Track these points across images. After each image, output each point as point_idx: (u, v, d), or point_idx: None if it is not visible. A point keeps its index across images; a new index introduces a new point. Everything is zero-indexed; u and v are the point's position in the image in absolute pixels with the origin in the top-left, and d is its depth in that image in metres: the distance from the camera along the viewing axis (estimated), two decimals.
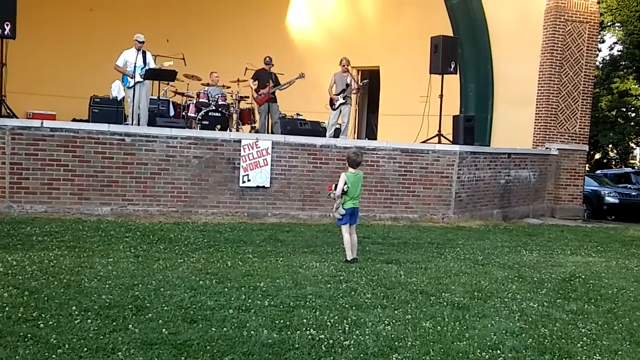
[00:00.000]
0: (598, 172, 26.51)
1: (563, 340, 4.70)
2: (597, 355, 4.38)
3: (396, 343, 4.42)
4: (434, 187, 12.29)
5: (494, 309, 5.60)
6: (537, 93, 15.37)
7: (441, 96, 13.58)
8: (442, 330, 4.80)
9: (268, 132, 13.95)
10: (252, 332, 4.51)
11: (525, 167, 14.62)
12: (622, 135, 33.69)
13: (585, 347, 4.55)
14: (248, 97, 14.55)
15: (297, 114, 14.98)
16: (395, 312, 5.29)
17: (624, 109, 35.50)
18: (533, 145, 15.50)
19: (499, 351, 4.34)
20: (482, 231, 11.61)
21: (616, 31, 34.85)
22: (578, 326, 5.14)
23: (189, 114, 13.63)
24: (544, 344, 4.57)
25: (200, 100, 13.58)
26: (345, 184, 7.58)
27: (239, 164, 10.96)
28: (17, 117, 11.13)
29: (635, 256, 9.67)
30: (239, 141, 11.05)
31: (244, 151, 10.96)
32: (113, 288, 5.50)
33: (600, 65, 35.58)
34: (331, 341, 4.39)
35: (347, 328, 4.73)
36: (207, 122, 13.19)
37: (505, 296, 6.17)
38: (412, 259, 8.01)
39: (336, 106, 13.68)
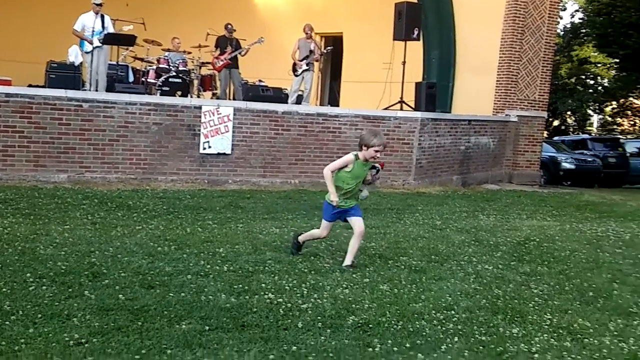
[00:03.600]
0: (556, 138, 26.94)
1: (515, 301, 4.81)
2: (548, 314, 4.49)
3: (353, 305, 4.47)
4: (395, 154, 12.35)
5: (450, 272, 5.70)
6: (499, 61, 15.47)
7: (404, 63, 13.59)
8: (399, 292, 4.87)
9: (229, 99, 13.83)
10: (210, 297, 4.52)
11: (485, 133, 14.78)
12: (581, 103, 34.26)
13: (536, 307, 4.67)
14: (209, 63, 14.38)
15: (259, 81, 14.87)
16: (354, 275, 5.35)
17: (583, 77, 36.04)
18: (493, 112, 15.65)
19: (453, 312, 4.43)
20: (442, 197, 11.74)
21: None
22: (530, 287, 5.27)
23: (148, 80, 13.42)
24: (497, 305, 4.67)
25: (161, 65, 13.37)
26: (345, 166, 5.82)
27: (199, 130, 10.86)
28: None
29: (588, 220, 9.91)
30: (200, 108, 10.93)
31: (205, 118, 10.86)
32: (69, 255, 5.44)
33: (561, 33, 35.95)
34: (289, 305, 4.43)
35: (305, 292, 4.77)
36: (167, 88, 13.01)
37: (462, 259, 6.28)
38: (371, 224, 8.06)
39: (299, 72, 13.61)
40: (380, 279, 5.29)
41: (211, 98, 14.04)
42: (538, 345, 3.85)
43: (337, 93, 19.39)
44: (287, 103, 13.21)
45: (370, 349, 3.67)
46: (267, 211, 8.69)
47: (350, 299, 4.64)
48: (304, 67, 13.54)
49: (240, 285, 4.84)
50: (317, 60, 14.17)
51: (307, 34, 13.60)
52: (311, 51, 13.56)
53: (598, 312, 4.64)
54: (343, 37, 18.74)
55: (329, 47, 15.61)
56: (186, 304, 4.31)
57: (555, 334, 4.07)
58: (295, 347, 3.65)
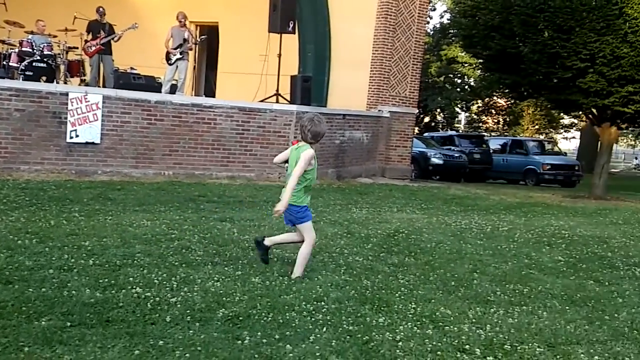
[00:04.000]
0: (426, 134, 28.05)
1: (383, 291, 4.95)
2: (413, 303, 4.66)
3: (224, 298, 4.44)
4: (271, 147, 12.37)
5: (322, 264, 5.78)
6: (372, 57, 15.86)
7: (279, 55, 13.62)
8: (271, 284, 4.88)
9: (100, 87, 13.28)
10: (74, 292, 4.33)
11: (359, 128, 15.12)
12: (449, 101, 35.86)
13: (402, 297, 4.82)
14: (77, 48, 13.72)
15: (131, 68, 14.39)
16: (226, 268, 5.31)
17: (452, 76, 37.72)
18: (367, 107, 16.04)
19: (323, 303, 4.50)
20: (317, 190, 11.89)
21: (446, 0, 36.69)
22: (398, 277, 5.44)
23: (10, 64, 12.60)
24: (365, 295, 4.79)
25: (24, 49, 12.60)
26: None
27: (66, 118, 10.37)
28: None
29: (454, 213, 10.38)
30: (66, 94, 10.44)
31: (72, 105, 10.38)
32: None
33: (431, 32, 37.43)
34: (158, 299, 4.32)
35: (175, 285, 4.68)
36: (30, 73, 12.29)
37: (334, 251, 6.38)
38: (246, 217, 8.04)
39: (172, 61, 13.29)
40: (252, 271, 5.27)
41: (79, 85, 13.43)
42: (402, 333, 3.98)
43: (214, 84, 19.15)
44: (160, 92, 12.87)
45: (240, 342, 3.65)
46: (139, 203, 8.44)
47: (221, 292, 4.59)
48: (177, 55, 13.23)
49: (107, 280, 4.67)
50: (190, 49, 13.90)
51: (180, 22, 13.30)
52: (185, 40, 13.28)
53: (459, 300, 4.87)
54: (219, 27, 18.52)
55: (202, 36, 15.35)
56: (47, 300, 4.10)
57: (418, 322, 4.22)
58: (162, 342, 3.56)
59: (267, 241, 5.53)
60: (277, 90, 13.60)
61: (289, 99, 13.54)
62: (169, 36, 13.30)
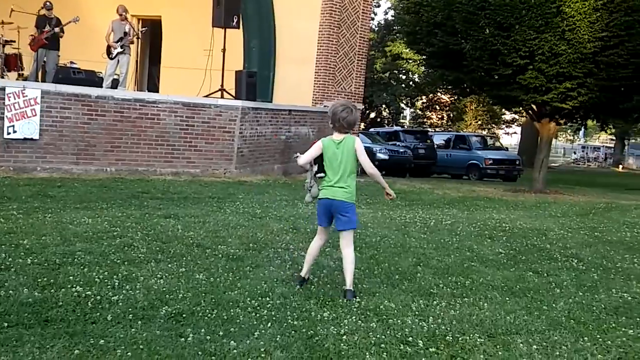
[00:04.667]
0: (371, 130, 28.27)
1: (328, 286, 4.97)
2: (357, 297, 4.69)
3: (167, 296, 4.39)
4: (216, 142, 12.29)
5: (268, 259, 5.77)
6: (317, 52, 15.90)
7: (224, 50, 13.51)
8: (215, 281, 4.85)
9: (39, 81, 12.92)
10: (11, 291, 4.21)
11: (305, 123, 15.14)
12: (394, 96, 36.20)
13: None
14: (14, 41, 13.32)
15: (71, 62, 14.05)
16: (169, 265, 5.25)
17: (396, 72, 38.09)
18: (312, 103, 16.07)
19: (268, 298, 4.49)
20: (263, 185, 11.87)
21: None
22: (343, 272, 5.46)
23: None
24: (310, 290, 4.81)
25: None
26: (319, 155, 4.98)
27: (2, 113, 10.06)
28: None
29: (399, 207, 10.49)
30: (3, 89, 10.15)
31: (9, 100, 10.09)
32: None
33: (376, 29, 37.72)
34: (99, 297, 4.24)
35: (117, 283, 4.60)
36: None
37: (280, 247, 6.38)
38: (191, 213, 7.96)
39: (114, 55, 13.03)
40: (196, 268, 5.23)
41: (17, 79, 13.04)
42: (347, 327, 4.00)
43: (157, 79, 18.86)
44: (101, 87, 12.61)
45: (183, 339, 3.62)
46: (80, 200, 8.26)
47: (164, 289, 4.54)
48: (119, 49, 12.98)
49: (46, 279, 4.56)
50: (132, 43, 13.65)
51: (121, 15, 13.04)
52: (126, 33, 13.03)
53: (403, 293, 4.92)
54: (162, 21, 18.24)
55: (143, 28, 15.10)
56: None
57: (363, 316, 4.26)
58: (103, 341, 3.50)
59: (304, 272, 4.99)
60: (222, 86, 13.49)
61: (233, 94, 13.45)
62: (109, 30, 13.03)
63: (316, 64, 15.97)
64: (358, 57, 16.48)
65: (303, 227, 7.63)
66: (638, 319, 4.60)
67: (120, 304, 4.15)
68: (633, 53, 13.51)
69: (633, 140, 57.63)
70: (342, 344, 3.72)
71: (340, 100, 4.89)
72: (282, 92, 16.13)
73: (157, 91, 16.98)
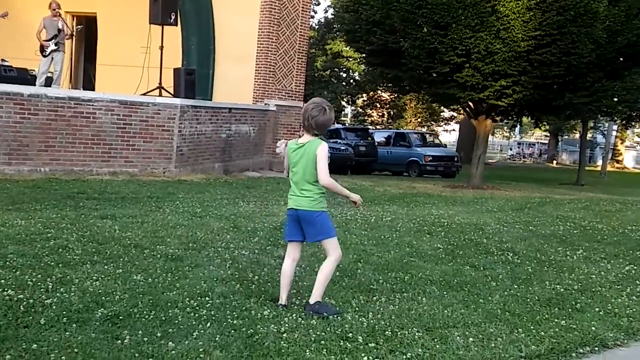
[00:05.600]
0: None
1: (269, 284, 4.96)
2: (299, 295, 4.68)
3: (103, 298, 4.29)
4: (154, 141, 12.09)
5: (208, 259, 5.71)
6: (257, 50, 15.84)
7: (161, 48, 13.31)
8: (153, 282, 4.77)
9: None
10: None
11: (246, 122, 15.05)
12: (335, 94, 36.39)
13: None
14: None
15: (3, 60, 13.60)
16: (106, 267, 5.13)
17: (337, 70, 38.29)
18: (253, 101, 16.00)
19: (207, 298, 4.44)
20: (203, 184, 11.75)
21: None
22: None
23: None
24: (250, 289, 4.78)
25: None
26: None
27: None
28: None
29: (340, 204, 10.49)
30: None
31: None
32: None
33: (316, 27, 37.83)
34: (31, 301, 4.12)
35: (50, 286, 4.47)
36: None
37: (220, 246, 6.32)
38: (129, 213, 7.82)
39: (47, 53, 12.67)
40: (134, 269, 5.13)
41: None
42: (287, 325, 4.00)
43: (93, 76, 18.44)
44: (34, 85, 12.24)
45: (119, 342, 3.54)
46: (12, 202, 8.00)
47: (100, 291, 4.44)
48: (52, 47, 12.62)
49: None
50: (68, 39, 13.30)
51: (54, 10, 12.68)
52: (59, 30, 12.68)
53: (343, 290, 4.95)
54: (97, 17, 17.82)
55: (79, 26, 14.74)
56: None
57: (303, 314, 4.26)
58: (35, 345, 3.40)
59: (313, 298, 4.36)
60: (160, 83, 13.29)
61: (172, 92, 13.26)
62: (40, 27, 12.65)
63: (256, 61, 15.91)
64: (298, 54, 16.49)
65: (244, 225, 7.60)
66: (570, 310, 4.75)
67: (54, 307, 4.04)
68: (565, 52, 13.94)
69: (566, 137, 59.49)
70: (282, 342, 3.71)
71: (315, 99, 4.40)
72: (222, 90, 16.00)
73: (93, 89, 16.58)
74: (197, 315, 4.09)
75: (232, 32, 15.94)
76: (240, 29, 15.86)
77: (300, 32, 16.43)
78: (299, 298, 4.62)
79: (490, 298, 4.95)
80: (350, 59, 36.94)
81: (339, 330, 3.97)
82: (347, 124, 39.86)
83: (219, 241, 6.55)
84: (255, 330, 3.87)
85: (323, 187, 4.35)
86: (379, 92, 40.65)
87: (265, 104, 15.95)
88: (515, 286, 5.38)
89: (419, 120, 44.96)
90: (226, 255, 5.92)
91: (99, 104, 11.47)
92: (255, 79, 15.99)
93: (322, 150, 4.32)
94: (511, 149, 64.77)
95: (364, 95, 42.44)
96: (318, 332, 3.89)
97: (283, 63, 16.15)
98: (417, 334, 4.00)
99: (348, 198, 4.58)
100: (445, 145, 30.87)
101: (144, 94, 13.04)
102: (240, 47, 15.92)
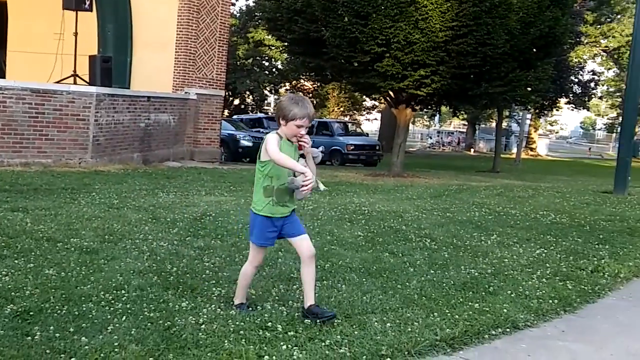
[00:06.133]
0: (235, 117, 28.12)
1: (188, 275, 4.89)
2: (219, 286, 4.65)
3: (13, 293, 4.13)
4: (69, 131, 11.71)
5: (124, 251, 5.58)
6: (176, 38, 15.56)
7: (76, 34, 12.88)
8: (67, 276, 4.62)
9: None
10: None
11: (165, 110, 14.78)
12: (258, 83, 36.19)
13: (207, 280, 4.80)
14: None
15: None
16: (16, 261, 4.94)
17: (259, 58, 38.05)
18: (173, 89, 15.72)
19: (123, 291, 4.34)
20: (121, 175, 11.48)
21: None
22: (203, 261, 5.40)
23: None
24: (168, 280, 4.70)
25: None
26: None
27: None
28: None
29: None
30: None
31: None
32: None
33: (238, 14, 37.46)
34: None
35: None
36: None
37: (137, 237, 6.19)
38: (42, 205, 7.55)
39: None
40: (46, 263, 4.96)
41: None
42: (206, 316, 3.95)
43: (3, 63, 17.66)
44: None
45: (30, 338, 3.42)
46: None
47: (10, 286, 4.27)
48: None
49: None
50: None
51: None
52: None
53: (263, 280, 4.93)
54: (7, 3, 17.07)
55: None
56: None
57: (222, 304, 4.22)
58: None
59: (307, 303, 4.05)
60: (75, 71, 12.86)
61: (87, 80, 12.86)
62: None
63: (176, 49, 15.63)
64: (219, 42, 16.28)
65: (163, 216, 7.47)
66: (483, 293, 4.89)
67: None
68: (481, 42, 14.32)
69: (483, 125, 61.28)
70: (200, 333, 3.66)
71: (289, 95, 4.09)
72: (141, 78, 15.63)
73: (4, 77, 15.90)
74: (112, 309, 3.99)
75: (151, 18, 15.58)
76: (158, 16, 15.53)
77: (221, 19, 16.23)
78: (218, 289, 4.59)
79: (407, 284, 5.04)
80: (273, 48, 36.78)
81: (259, 319, 3.95)
82: (270, 113, 39.72)
83: (136, 233, 6.41)
84: (172, 322, 3.81)
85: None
86: (302, 81, 40.68)
87: (186, 92, 15.70)
88: (432, 271, 5.50)
89: (342, 109, 45.30)
90: (144, 247, 5.80)
91: (10, 92, 11.00)
92: (175, 67, 15.71)
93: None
94: (431, 138, 66.16)
95: (287, 84, 42.39)
96: (237, 323, 3.87)
97: (203, 51, 15.92)
98: (337, 320, 4.03)
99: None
100: (367, 134, 31.26)
101: (58, 82, 12.59)
102: (159, 35, 15.60)
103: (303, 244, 4.12)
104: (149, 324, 3.76)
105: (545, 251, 6.66)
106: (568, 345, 4.03)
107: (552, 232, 7.81)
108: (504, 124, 37.37)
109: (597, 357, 3.87)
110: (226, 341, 3.57)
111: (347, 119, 42.22)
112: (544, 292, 5.03)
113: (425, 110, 21.09)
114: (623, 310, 4.91)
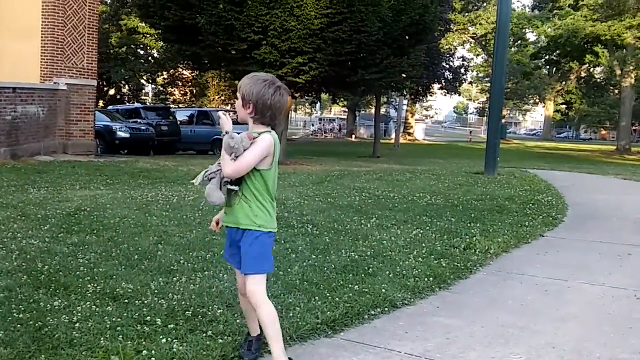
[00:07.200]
0: (110, 107, 27.14)
1: (60, 273, 4.67)
2: (94, 282, 4.47)
3: None
4: None
5: None
6: (42, 25, 14.78)
7: None
8: None
9: None
10: None
11: (33, 102, 14.04)
12: (133, 72, 35.06)
13: (82, 277, 4.60)
14: None
15: None
16: None
17: (134, 46, 36.88)
18: (41, 79, 14.95)
19: None
20: None
21: None
22: (78, 257, 5.18)
23: None
24: (39, 279, 4.47)
25: None
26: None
27: None
28: None
29: (141, 186, 10.24)
30: None
31: None
32: None
33: (108, 1, 36.07)
34: None
35: None
36: None
37: (5, 236, 5.85)
38: None
39: None
40: None
41: None
42: (80, 314, 3.79)
43: None
44: None
45: None
46: None
47: None
48: None
49: None
50: None
51: None
52: None
53: (142, 273, 4.80)
54: None
55: None
56: None
57: (98, 301, 4.07)
58: None
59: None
60: None
61: None
62: None
63: (42, 37, 14.83)
64: (88, 30, 15.60)
65: (34, 213, 7.11)
66: (363, 275, 5.01)
67: None
68: (355, 29, 14.60)
69: (363, 112, 62.67)
70: (74, 332, 3.51)
71: (259, 74, 3.29)
72: (4, 68, 14.71)
73: None
74: None
75: (13, 4, 14.70)
76: (22, 3, 14.68)
77: (89, 5, 15.55)
78: (94, 285, 4.42)
79: (289, 270, 5.07)
80: (147, 36, 35.72)
81: (137, 314, 3.85)
82: (148, 103, 38.67)
83: (4, 231, 6.07)
84: (44, 322, 3.63)
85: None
86: (180, 69, 39.84)
87: (55, 82, 14.96)
88: (314, 256, 5.56)
89: (222, 98, 44.81)
90: (12, 245, 5.50)
91: None
92: (41, 56, 14.92)
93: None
94: (313, 125, 66.92)
95: (165, 73, 41.36)
96: (114, 319, 3.74)
97: (72, 39, 15.21)
98: (218, 310, 3.99)
99: None
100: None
101: None
102: (23, 22, 14.76)
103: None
104: (19, 325, 3.57)
105: (422, 231, 6.91)
106: (442, 321, 4.21)
107: (428, 213, 8.11)
108: (383, 110, 38.35)
109: (469, 330, 4.06)
110: (102, 338, 3.45)
111: (228, 107, 41.82)
112: (420, 270, 5.22)
113: (305, 97, 21.25)
114: (493, 285, 5.18)
